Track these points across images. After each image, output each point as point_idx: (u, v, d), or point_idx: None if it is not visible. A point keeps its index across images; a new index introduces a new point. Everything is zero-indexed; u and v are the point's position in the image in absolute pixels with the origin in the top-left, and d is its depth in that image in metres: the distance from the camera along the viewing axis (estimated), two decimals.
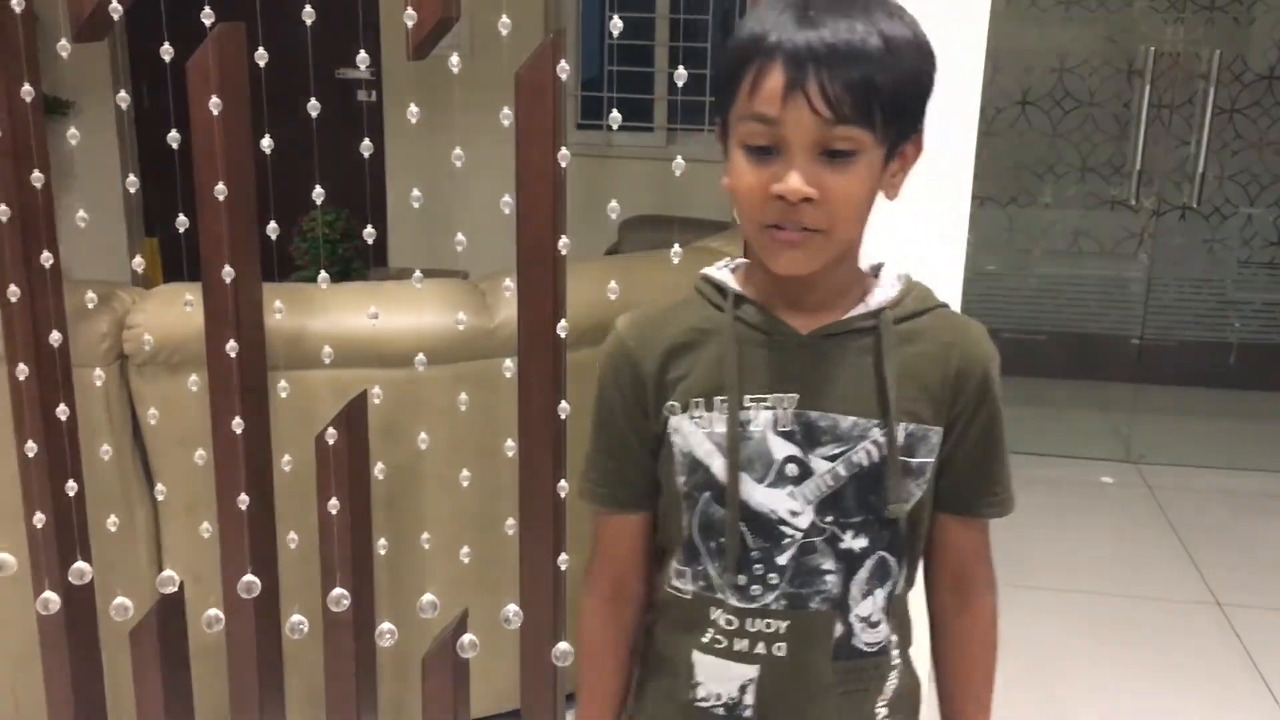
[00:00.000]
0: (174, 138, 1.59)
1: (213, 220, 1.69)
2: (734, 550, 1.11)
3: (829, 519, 1.11)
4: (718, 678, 1.16)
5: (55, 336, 1.70)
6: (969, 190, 1.74)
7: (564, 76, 1.57)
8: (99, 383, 1.96)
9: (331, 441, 1.69)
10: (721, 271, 1.17)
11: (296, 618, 1.78)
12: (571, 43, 5.28)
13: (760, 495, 1.11)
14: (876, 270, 1.16)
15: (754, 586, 1.12)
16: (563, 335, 1.65)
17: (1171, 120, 4.46)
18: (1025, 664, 2.73)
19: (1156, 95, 4.39)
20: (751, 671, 1.15)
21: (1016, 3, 4.54)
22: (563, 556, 1.71)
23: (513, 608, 1.72)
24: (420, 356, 1.69)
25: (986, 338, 1.17)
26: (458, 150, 1.59)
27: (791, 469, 1.10)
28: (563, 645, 1.75)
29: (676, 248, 1.57)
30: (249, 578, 1.77)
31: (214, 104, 1.60)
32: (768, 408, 1.10)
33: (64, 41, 1.62)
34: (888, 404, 1.09)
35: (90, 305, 1.78)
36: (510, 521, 1.68)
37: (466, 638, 1.75)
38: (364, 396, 1.79)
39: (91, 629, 1.96)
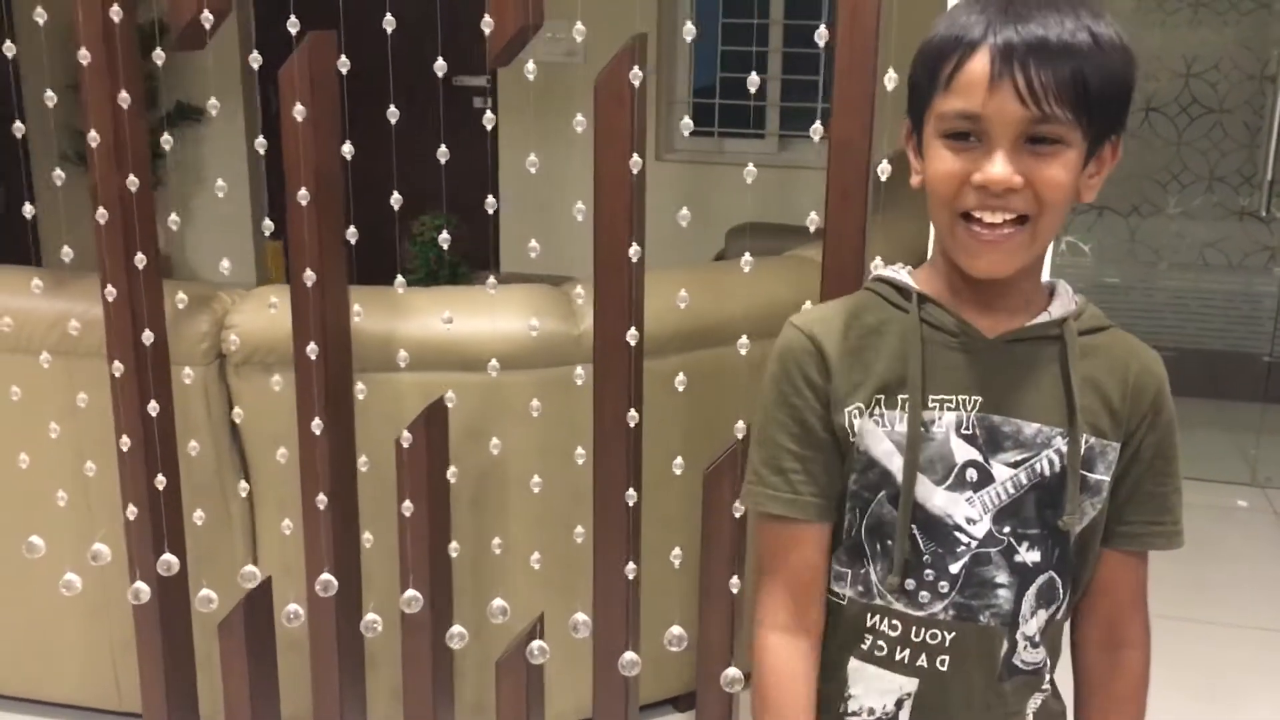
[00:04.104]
0: (260, 143, 1.63)
1: (298, 225, 1.73)
2: (902, 552, 1.09)
3: (1006, 529, 1.10)
4: (875, 688, 1.14)
5: (148, 335, 1.75)
6: None
7: (635, 83, 1.56)
8: (195, 381, 2.02)
9: (406, 445, 1.71)
10: (899, 273, 1.15)
11: (371, 616, 1.81)
12: (684, 51, 5.28)
13: (939, 499, 1.09)
14: (1051, 287, 1.15)
15: (923, 593, 1.10)
16: (632, 343, 1.64)
17: None
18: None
19: None
20: (910, 684, 1.13)
21: (1143, 4, 4.37)
22: (630, 566, 1.70)
23: (581, 616, 1.72)
24: (494, 363, 1.70)
25: (1159, 360, 1.17)
26: (532, 157, 1.60)
27: (972, 474, 1.09)
28: (629, 655, 1.74)
29: (747, 256, 1.55)
30: (326, 576, 1.80)
31: (299, 111, 1.63)
32: (951, 409, 1.09)
33: (160, 50, 1.67)
34: (1074, 411, 1.08)
35: (181, 306, 1.83)
36: (579, 529, 1.68)
37: (536, 644, 1.75)
38: (442, 401, 1.81)
39: (184, 619, 2.02)
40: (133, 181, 1.70)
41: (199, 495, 2.08)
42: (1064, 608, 1.16)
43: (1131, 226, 4.58)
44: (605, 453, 1.71)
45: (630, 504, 1.66)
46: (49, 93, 1.76)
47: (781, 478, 1.12)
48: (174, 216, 1.77)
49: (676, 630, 1.68)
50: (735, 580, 1.65)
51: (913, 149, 1.11)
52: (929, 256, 1.18)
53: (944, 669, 1.12)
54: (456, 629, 1.80)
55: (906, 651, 1.12)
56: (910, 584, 1.10)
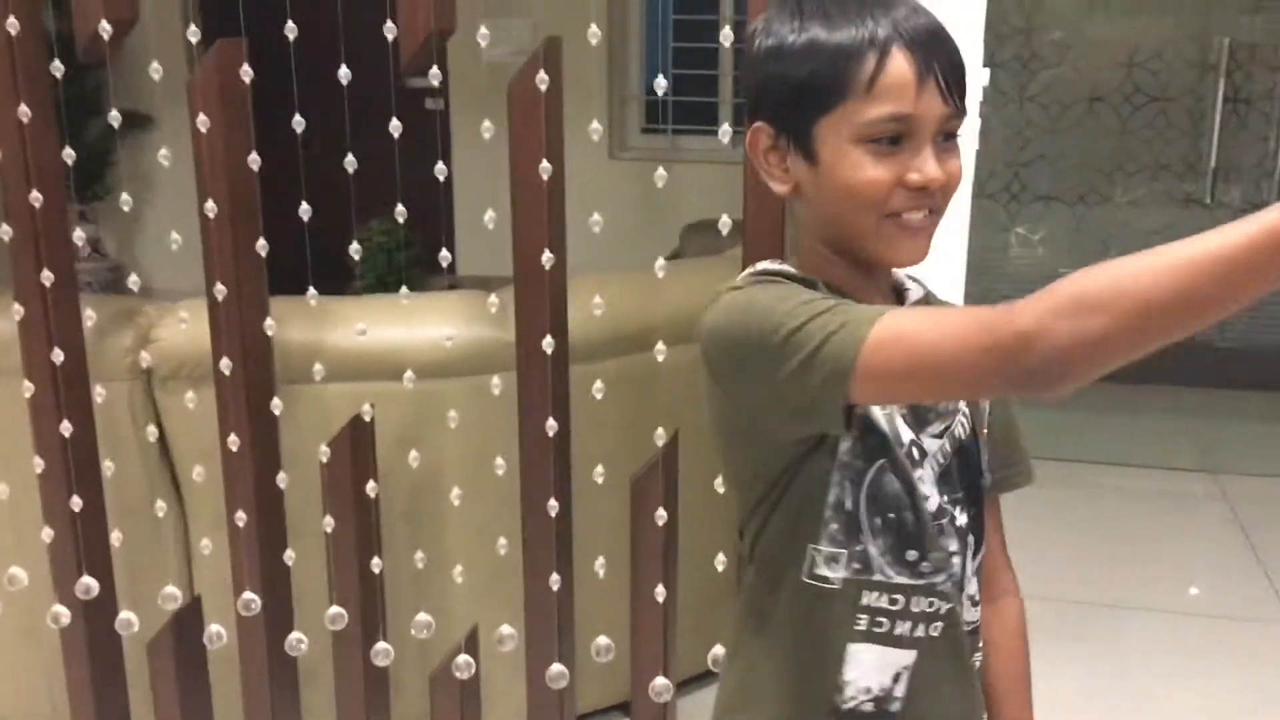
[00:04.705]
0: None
1: (210, 237, 1.70)
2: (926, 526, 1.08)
3: (944, 498, 1.10)
4: (873, 666, 1.10)
5: (57, 354, 1.72)
6: (969, 185, 1.66)
7: (543, 88, 1.54)
8: (120, 397, 1.98)
9: (325, 460, 1.68)
10: (784, 268, 1.11)
11: (296, 635, 1.78)
12: (635, 49, 5.26)
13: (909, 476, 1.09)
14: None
15: (923, 563, 1.09)
16: (549, 351, 1.62)
17: (1249, 115, 4.27)
18: (1109, 685, 2.63)
19: (1233, 89, 4.20)
20: (908, 658, 1.10)
21: None
22: (554, 577, 1.68)
23: (507, 629, 1.69)
24: (409, 373, 1.67)
25: None
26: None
27: (915, 452, 1.08)
28: (556, 668, 1.71)
29: (661, 261, 1.53)
30: (248, 595, 1.77)
31: (202, 121, 1.60)
32: None
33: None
34: None
35: (89, 323, 1.79)
36: (502, 540, 1.66)
37: (461, 658, 1.73)
38: (363, 414, 1.78)
39: (113, 640, 1.98)
40: (36, 197, 1.66)
41: (128, 514, 2.04)
42: (978, 565, 1.17)
43: (1078, 216, 4.60)
44: (529, 462, 1.69)
45: (553, 514, 1.63)
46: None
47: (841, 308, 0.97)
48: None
49: (603, 640, 1.65)
50: (661, 589, 1.63)
51: (769, 155, 1.07)
52: (798, 255, 1.12)
53: (936, 635, 1.11)
54: (382, 645, 1.77)
55: (906, 624, 1.10)
56: (912, 554, 1.09)
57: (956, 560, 1.11)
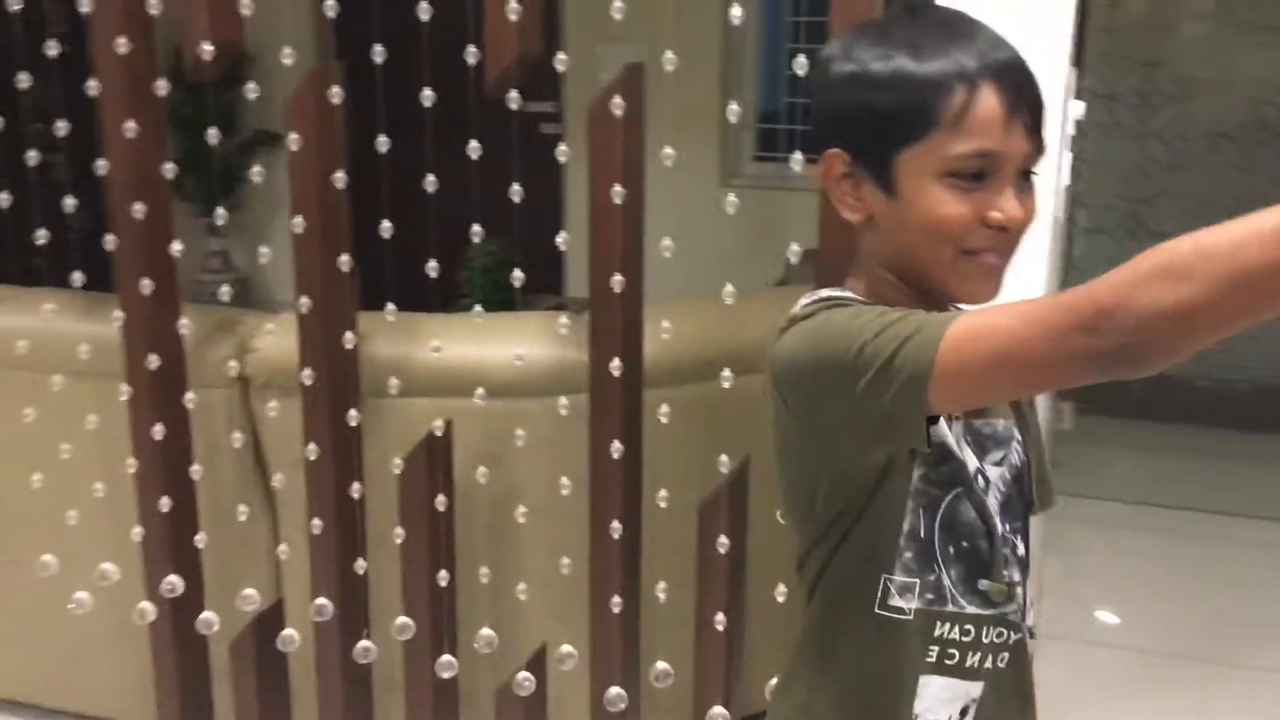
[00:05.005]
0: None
1: (300, 252, 1.76)
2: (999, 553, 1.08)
3: (1007, 527, 1.10)
4: (942, 699, 1.09)
5: (153, 359, 1.79)
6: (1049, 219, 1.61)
7: (618, 113, 1.55)
8: (218, 404, 2.06)
9: (397, 472, 1.72)
10: (846, 294, 1.10)
11: (365, 644, 1.82)
12: (750, 76, 5.26)
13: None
14: None
15: (995, 593, 1.09)
16: (616, 374, 1.63)
17: None
18: None
19: None
20: (976, 689, 1.09)
21: (1219, 28, 4.24)
22: (615, 600, 1.68)
23: (567, 648, 1.70)
24: (480, 391, 1.70)
25: None
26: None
27: (980, 482, 1.08)
28: (615, 690, 1.71)
29: (729, 287, 1.53)
30: (321, 601, 1.81)
31: (294, 140, 1.66)
32: (954, 418, 1.07)
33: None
34: (1018, 400, 1.13)
35: (184, 332, 1.86)
36: (565, 561, 1.67)
37: (521, 675, 1.74)
38: (445, 428, 1.82)
39: (196, 639, 2.04)
40: (139, 208, 1.74)
41: (222, 518, 2.11)
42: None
43: None
44: (598, 484, 1.70)
45: (616, 536, 1.64)
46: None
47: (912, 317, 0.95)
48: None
49: (662, 665, 1.65)
50: (721, 617, 1.62)
51: (843, 182, 1.06)
52: (857, 283, 1.10)
53: (1003, 666, 1.10)
54: (446, 659, 1.79)
55: (977, 656, 1.08)
56: (984, 584, 1.07)
57: (1019, 590, 1.10)
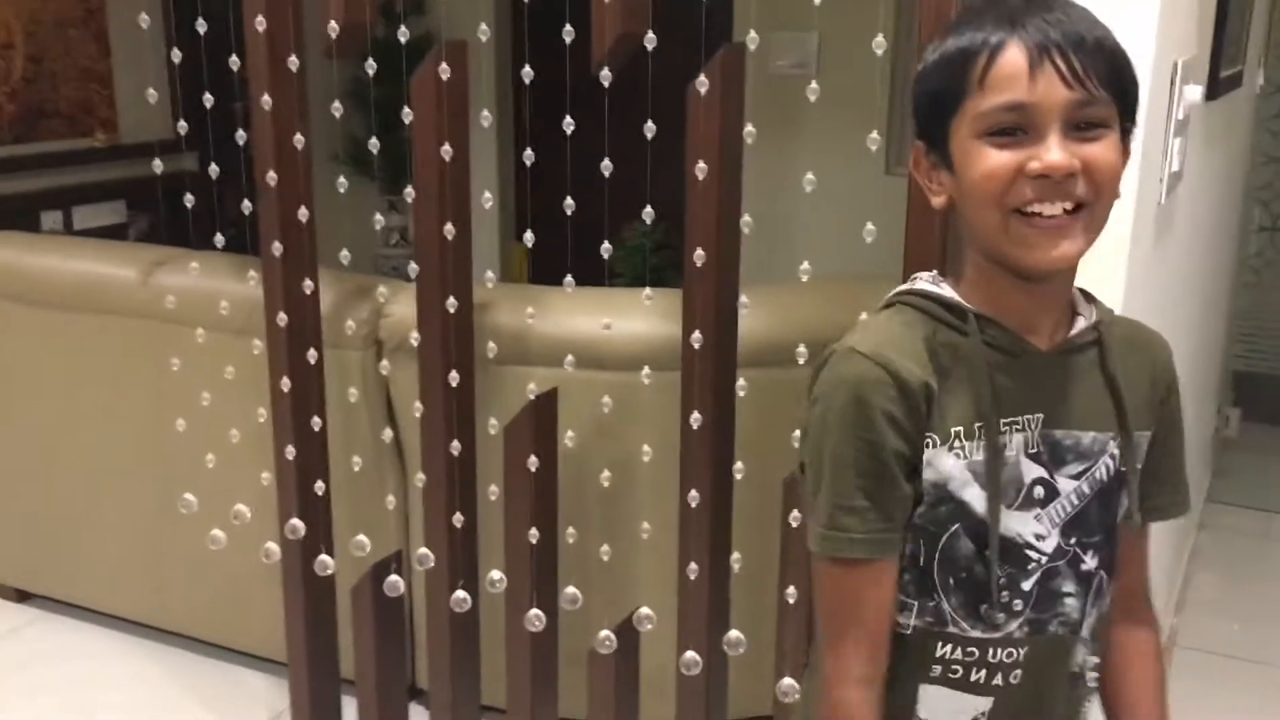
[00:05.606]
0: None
1: (418, 223, 1.86)
2: (996, 585, 1.08)
3: (1072, 540, 1.11)
4: (947, 709, 1.13)
5: (282, 318, 1.93)
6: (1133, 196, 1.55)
7: (703, 91, 1.59)
8: (354, 364, 2.19)
9: (493, 432, 1.80)
10: (943, 288, 1.12)
11: (460, 594, 1.92)
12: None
13: (1010, 521, 1.09)
14: None
15: (999, 615, 1.10)
16: (695, 347, 1.67)
17: None
18: None
19: None
20: (985, 704, 1.13)
21: None
22: (692, 566, 1.73)
23: (645, 610, 1.76)
24: (569, 357, 1.76)
25: (1164, 339, 1.20)
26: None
27: (1039, 491, 1.09)
28: (689, 655, 1.75)
29: (805, 264, 1.55)
30: (423, 550, 1.92)
31: (406, 115, 1.76)
32: (1019, 430, 1.09)
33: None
34: (1124, 415, 1.11)
35: (308, 291, 1.98)
36: (645, 525, 1.72)
37: (603, 633, 1.81)
38: (550, 394, 1.89)
39: (320, 581, 2.17)
40: (272, 176, 1.87)
41: (357, 469, 2.24)
42: (1108, 601, 1.16)
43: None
44: (687, 455, 1.74)
45: (693, 505, 1.68)
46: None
47: (857, 518, 1.05)
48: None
49: (735, 634, 1.69)
50: (792, 590, 1.65)
51: (927, 170, 1.09)
52: (961, 269, 1.11)
53: (1017, 682, 1.12)
54: (534, 612, 1.87)
55: (982, 673, 1.11)
56: (983, 608, 1.09)
57: (1071, 602, 1.11)
